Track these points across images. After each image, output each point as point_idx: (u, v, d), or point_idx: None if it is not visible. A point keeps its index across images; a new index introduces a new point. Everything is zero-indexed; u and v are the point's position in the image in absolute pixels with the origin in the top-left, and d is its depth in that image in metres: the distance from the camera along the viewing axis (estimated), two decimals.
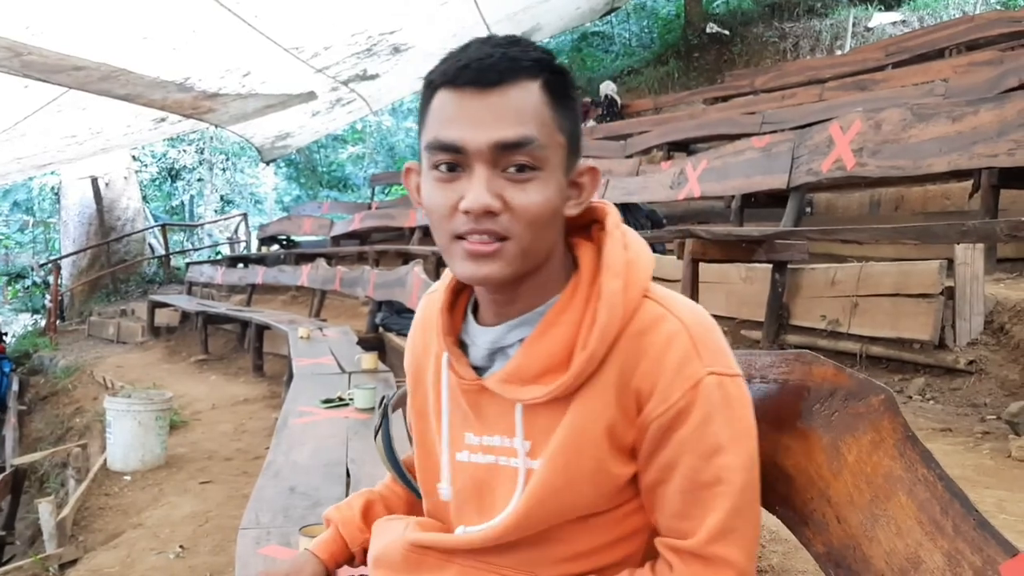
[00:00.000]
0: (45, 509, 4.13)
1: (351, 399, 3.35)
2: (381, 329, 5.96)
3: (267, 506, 2.24)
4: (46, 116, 7.63)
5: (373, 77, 10.19)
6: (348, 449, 2.74)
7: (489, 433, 1.01)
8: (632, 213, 5.73)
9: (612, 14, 14.21)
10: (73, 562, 3.87)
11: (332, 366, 4.45)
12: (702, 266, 3.82)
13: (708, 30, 13.36)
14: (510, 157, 0.89)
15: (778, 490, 0.98)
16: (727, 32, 13.25)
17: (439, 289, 1.09)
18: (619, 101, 12.02)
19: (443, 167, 0.91)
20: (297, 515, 2.18)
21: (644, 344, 0.92)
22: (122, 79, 7.28)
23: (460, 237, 0.91)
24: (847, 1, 12.99)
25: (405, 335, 5.17)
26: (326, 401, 3.42)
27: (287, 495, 2.33)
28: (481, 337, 1.02)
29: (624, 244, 0.97)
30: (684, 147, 8.44)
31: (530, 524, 0.97)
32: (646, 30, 15.69)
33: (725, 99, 10.35)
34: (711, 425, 0.90)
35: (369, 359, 4.26)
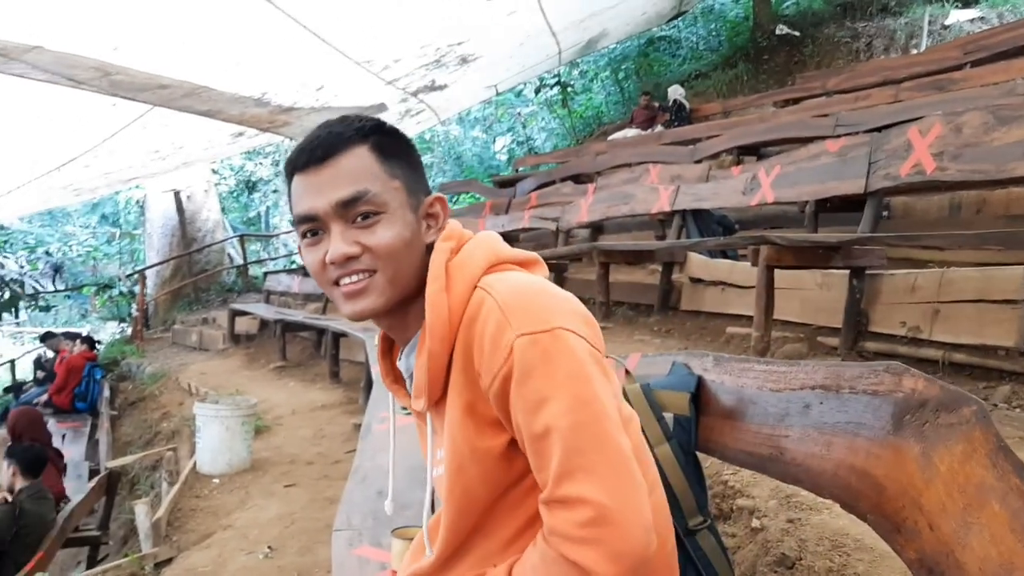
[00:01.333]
0: (141, 510, 4.32)
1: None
2: None
3: (357, 509, 2.33)
4: (132, 133, 7.95)
5: (441, 87, 10.35)
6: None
7: (436, 447, 1.18)
8: (703, 219, 5.71)
9: (679, 18, 14.14)
10: (168, 561, 4.05)
11: None
12: (776, 272, 3.81)
13: (778, 32, 13.16)
14: (354, 210, 1.08)
15: (869, 498, 1.01)
16: (797, 33, 13.03)
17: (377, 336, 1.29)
18: (687, 105, 11.93)
19: (308, 235, 1.12)
20: (386, 518, 2.26)
21: (473, 330, 1.04)
22: (203, 95, 7.56)
23: (335, 285, 1.10)
24: None
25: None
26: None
27: (375, 498, 2.42)
28: (402, 367, 1.23)
29: (451, 250, 1.12)
30: (754, 151, 8.34)
31: (458, 516, 1.09)
32: (714, 33, 15.53)
33: (796, 101, 10.17)
34: (530, 382, 0.98)
35: None
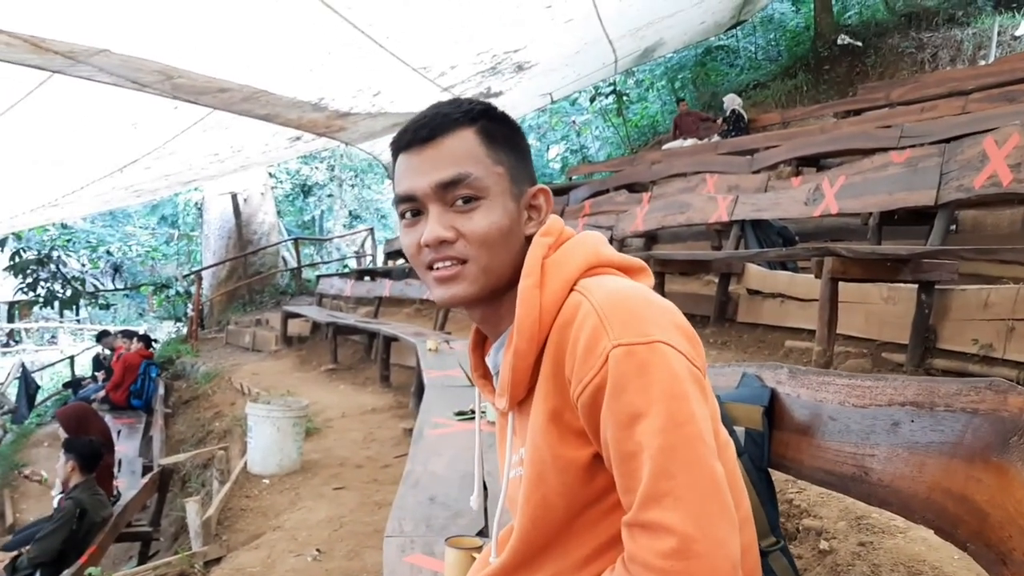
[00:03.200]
0: (192, 508, 4.35)
1: (484, 411, 3.39)
2: None
3: (409, 515, 2.30)
4: (193, 135, 8.09)
5: (497, 95, 10.36)
6: (485, 462, 2.77)
7: (515, 448, 1.13)
8: (763, 230, 5.59)
9: (738, 28, 13.96)
10: (217, 560, 4.06)
11: (461, 378, 4.53)
12: (840, 285, 3.70)
13: (839, 42, 12.91)
14: (453, 193, 1.06)
15: (969, 525, 0.94)
16: (860, 43, 12.77)
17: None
18: (745, 116, 11.77)
19: (407, 215, 1.10)
20: (439, 524, 2.23)
21: (567, 334, 0.99)
22: (262, 99, 7.66)
23: (429, 269, 1.08)
24: (991, 9, 12.31)
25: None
26: (459, 413, 3.48)
27: (428, 505, 2.38)
28: (490, 363, 1.19)
29: (549, 246, 1.08)
30: (814, 162, 8.16)
31: (532, 526, 1.04)
32: (773, 43, 15.31)
33: (857, 112, 9.95)
34: (624, 395, 0.92)
35: None
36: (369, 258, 16.26)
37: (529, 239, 1.10)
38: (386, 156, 12.50)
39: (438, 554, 1.98)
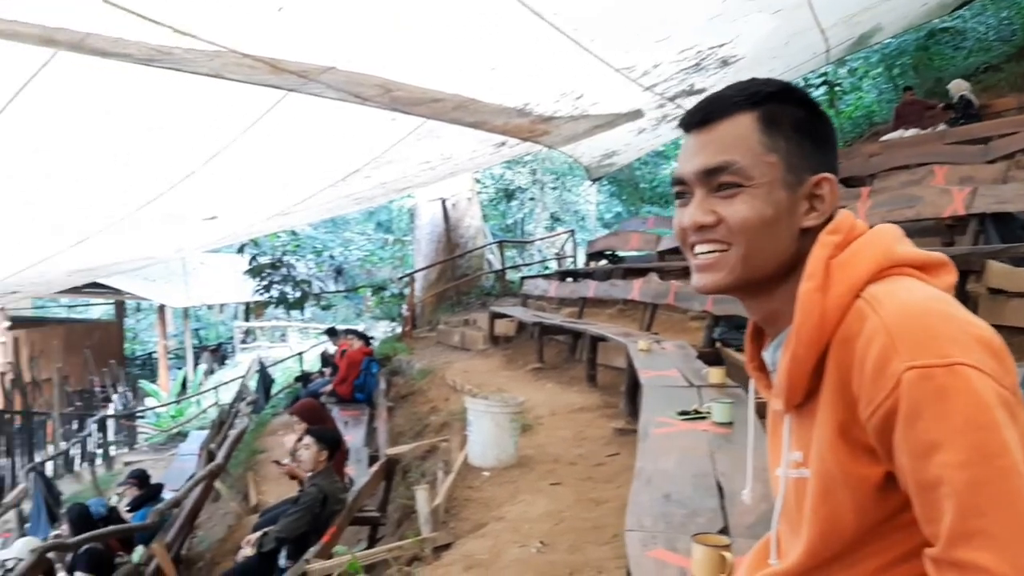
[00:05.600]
0: (421, 496, 4.61)
1: (708, 412, 3.37)
2: (719, 344, 5.92)
3: (646, 511, 2.33)
4: (407, 144, 8.53)
5: (699, 92, 10.16)
6: (715, 462, 2.77)
7: (791, 449, 1.09)
8: (1006, 224, 5.16)
9: (965, 7, 12.87)
10: (446, 546, 4.29)
11: (678, 379, 4.51)
12: None
13: None
14: (715, 179, 1.06)
15: None
16: None
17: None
18: (975, 101, 10.84)
19: (678, 196, 1.13)
20: (677, 522, 2.25)
21: (852, 348, 0.93)
22: (471, 108, 7.95)
23: (693, 253, 1.09)
24: None
25: (744, 351, 5.07)
26: (682, 413, 3.48)
27: (663, 502, 2.40)
28: (767, 359, 1.17)
29: (835, 245, 1.02)
30: None
31: (820, 540, 1.00)
32: (1006, 22, 13.98)
33: None
34: (919, 423, 0.86)
35: (717, 373, 4.26)
36: (570, 260, 16.47)
37: (805, 232, 1.06)
38: (586, 159, 12.60)
39: (681, 550, 2.00)
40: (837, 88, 15.28)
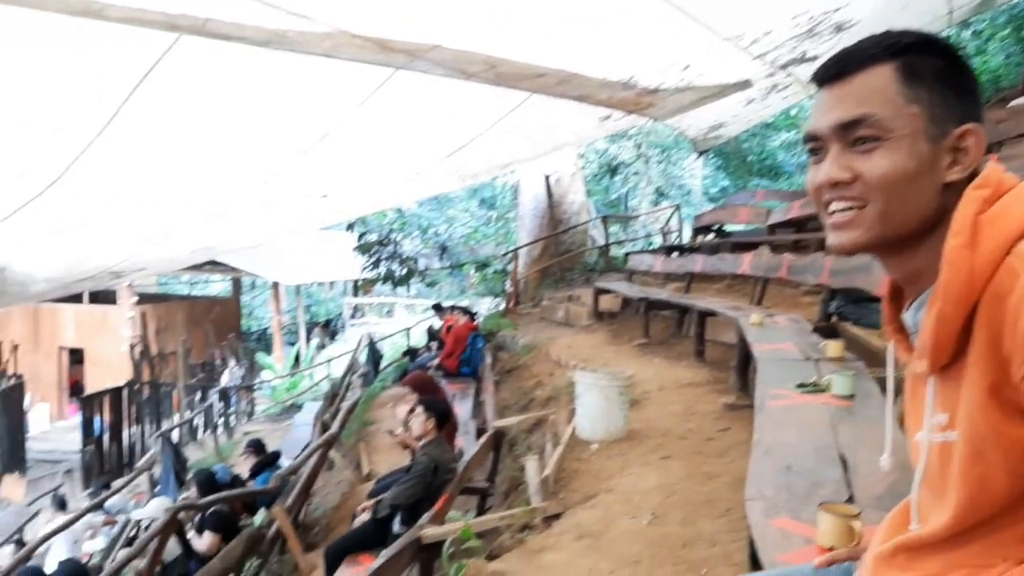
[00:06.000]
0: (531, 467, 4.67)
1: (828, 385, 3.28)
2: (835, 318, 5.74)
3: (767, 481, 2.30)
4: (511, 120, 8.55)
5: (811, 59, 9.80)
6: (837, 435, 2.69)
7: (935, 413, 1.04)
8: None
9: None
10: (556, 516, 4.33)
11: (793, 352, 4.40)
12: None
13: None
14: (852, 133, 1.02)
15: None
16: None
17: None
18: None
19: (812, 153, 1.08)
20: (800, 492, 2.20)
21: (1004, 306, 0.90)
22: (575, 82, 7.89)
23: (828, 212, 1.06)
24: None
25: (863, 325, 4.88)
26: (800, 385, 3.39)
27: (784, 473, 2.36)
28: (908, 320, 1.11)
29: (984, 200, 0.97)
30: None
31: (969, 503, 0.96)
32: None
33: None
34: None
35: (835, 347, 4.14)
36: (675, 235, 16.24)
37: (948, 186, 1.01)
38: (693, 131, 12.35)
39: (805, 520, 1.96)
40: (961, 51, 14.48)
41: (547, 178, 15.16)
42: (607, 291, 11.17)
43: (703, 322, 7.54)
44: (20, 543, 9.72)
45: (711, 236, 12.54)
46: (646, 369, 7.68)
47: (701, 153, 14.83)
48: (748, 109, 11.61)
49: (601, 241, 16.15)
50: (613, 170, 19.35)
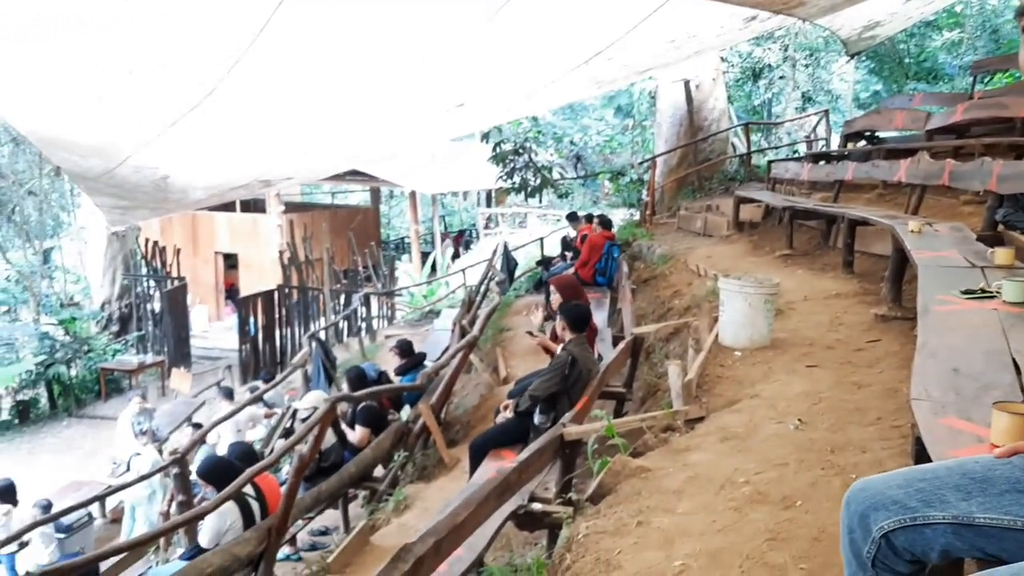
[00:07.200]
0: (674, 371, 4.69)
1: (998, 291, 3.12)
2: (1002, 227, 5.39)
3: (933, 383, 2.24)
4: (652, 23, 8.26)
5: None
6: (1009, 340, 2.58)
7: None
8: None
9: None
10: (698, 419, 4.36)
11: (957, 260, 4.19)
12: None
13: None
14: None
15: None
16: None
17: None
18: None
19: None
20: (968, 394, 2.14)
21: None
22: None
23: None
24: None
25: None
26: (967, 292, 3.24)
27: (951, 375, 2.29)
28: None
29: None
30: None
31: None
32: None
33: None
34: None
35: (1005, 254, 3.91)
36: (822, 142, 15.46)
37: None
38: (845, 31, 11.59)
39: (976, 420, 1.91)
40: None
41: (687, 84, 14.66)
42: (749, 200, 10.85)
43: (853, 231, 7.24)
44: (195, 426, 10.65)
45: (862, 143, 11.88)
46: (789, 280, 7.49)
47: (853, 55, 13.94)
48: (908, 6, 10.81)
49: (742, 149, 15.59)
50: (757, 75, 18.44)
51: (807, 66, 18.29)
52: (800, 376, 4.60)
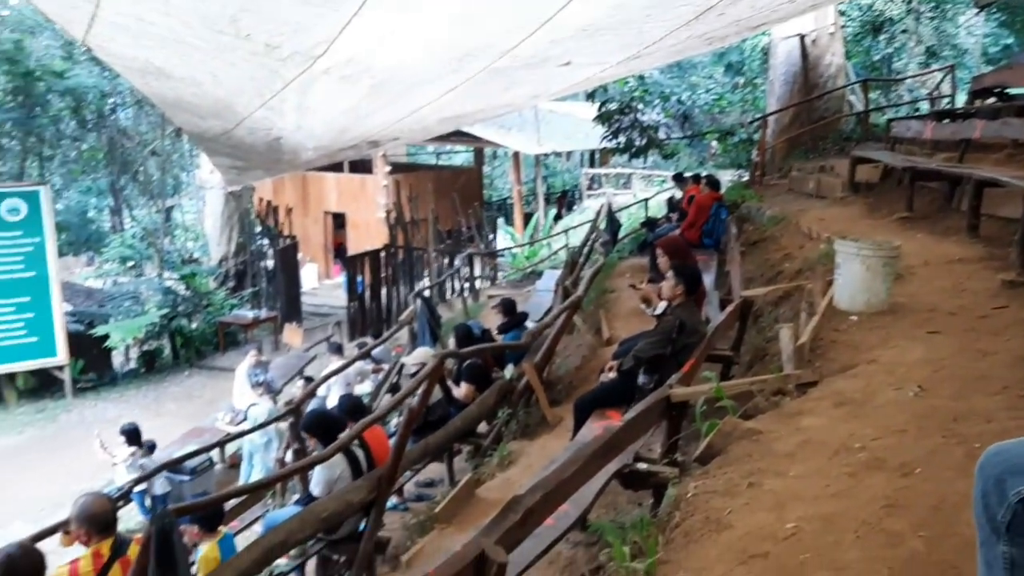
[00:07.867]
0: (785, 335, 4.60)
1: None
2: None
3: None
4: None
5: None
6: None
7: None
8: None
9: None
10: (811, 384, 4.26)
11: None
12: None
13: None
14: None
15: None
16: None
17: None
18: None
19: None
20: None
21: None
22: None
23: None
24: None
25: None
26: None
27: None
28: None
29: None
30: None
31: None
32: None
33: None
34: None
35: None
36: (946, 100, 14.64)
37: None
38: None
39: None
40: None
41: (802, 38, 14.07)
42: (867, 160, 10.40)
43: (980, 193, 6.87)
44: (308, 379, 11.08)
45: (992, 100, 11.19)
46: (909, 243, 7.18)
47: (983, 8, 13.13)
48: None
49: (859, 107, 14.90)
50: (877, 28, 17.51)
51: (932, 19, 17.25)
52: (920, 342, 4.44)
